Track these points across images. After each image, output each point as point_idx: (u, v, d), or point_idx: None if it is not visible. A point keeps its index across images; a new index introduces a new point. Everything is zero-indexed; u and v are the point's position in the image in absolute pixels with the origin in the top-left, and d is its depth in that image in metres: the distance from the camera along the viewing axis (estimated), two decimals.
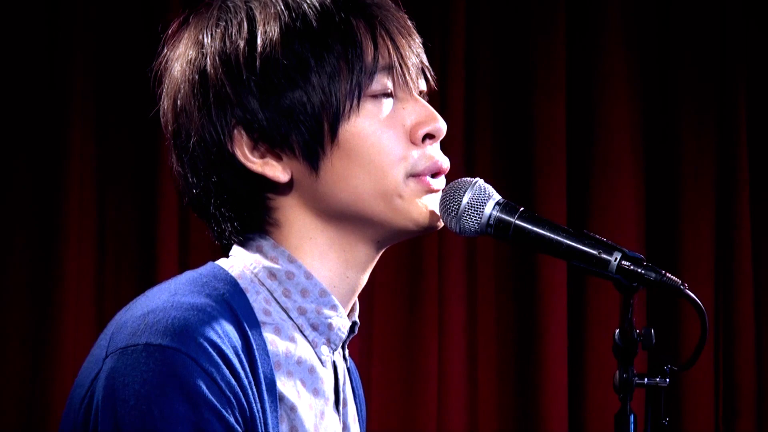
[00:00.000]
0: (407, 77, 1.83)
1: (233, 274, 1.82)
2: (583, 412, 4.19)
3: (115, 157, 3.89)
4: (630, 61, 4.26)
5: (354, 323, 1.91)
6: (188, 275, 1.81)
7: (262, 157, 1.81)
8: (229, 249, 1.88)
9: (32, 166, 3.82)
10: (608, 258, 1.77)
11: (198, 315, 1.69)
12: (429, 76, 1.88)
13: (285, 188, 1.83)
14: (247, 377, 1.71)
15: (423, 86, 1.88)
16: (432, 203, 1.84)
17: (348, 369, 1.98)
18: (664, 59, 4.29)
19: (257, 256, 1.83)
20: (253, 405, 1.71)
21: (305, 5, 1.81)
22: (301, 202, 1.83)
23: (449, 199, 1.84)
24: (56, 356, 3.75)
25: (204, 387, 1.65)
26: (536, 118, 4.19)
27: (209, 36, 1.82)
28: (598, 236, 1.80)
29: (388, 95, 1.83)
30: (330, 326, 1.85)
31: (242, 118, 1.80)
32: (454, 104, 4.12)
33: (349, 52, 1.80)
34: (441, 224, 1.85)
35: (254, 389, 1.72)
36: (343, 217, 1.83)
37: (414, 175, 1.83)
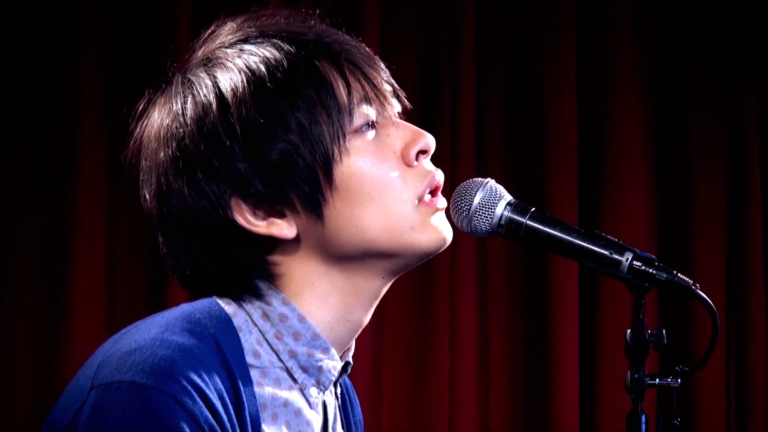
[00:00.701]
0: (385, 104, 1.82)
1: (228, 311, 1.81)
2: (595, 412, 4.18)
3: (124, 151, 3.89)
4: (640, 63, 4.25)
5: (347, 363, 1.90)
6: (183, 309, 1.80)
7: (265, 218, 1.80)
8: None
9: (42, 165, 3.83)
10: (620, 258, 1.77)
11: (184, 356, 1.69)
12: (402, 96, 1.87)
13: (291, 242, 1.82)
14: (230, 420, 1.71)
15: (398, 108, 1.87)
16: (439, 223, 1.84)
17: (344, 393, 1.98)
18: (675, 61, 4.28)
19: (252, 296, 1.83)
20: None
21: (267, 60, 1.79)
22: (307, 252, 1.82)
23: (460, 200, 1.84)
24: (66, 357, 3.76)
25: (186, 428, 1.66)
26: (547, 120, 4.19)
27: (180, 112, 1.80)
28: (609, 236, 1.80)
29: (370, 126, 1.82)
30: (320, 369, 1.84)
31: (236, 185, 1.78)
32: (466, 106, 4.12)
33: (323, 94, 1.78)
34: (448, 243, 1.85)
35: (239, 430, 1.72)
36: (351, 258, 1.82)
37: (419, 198, 1.82)
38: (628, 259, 1.77)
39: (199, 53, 1.85)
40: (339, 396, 1.95)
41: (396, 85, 1.86)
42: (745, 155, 4.26)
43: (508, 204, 1.83)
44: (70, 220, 3.80)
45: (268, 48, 1.80)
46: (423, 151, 1.84)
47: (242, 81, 1.78)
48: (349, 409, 2.04)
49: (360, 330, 1.88)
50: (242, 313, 1.81)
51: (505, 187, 1.86)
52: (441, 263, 4.09)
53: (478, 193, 1.83)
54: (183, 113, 1.80)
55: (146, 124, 1.86)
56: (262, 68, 1.78)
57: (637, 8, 4.26)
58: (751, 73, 4.28)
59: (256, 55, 1.80)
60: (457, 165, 4.04)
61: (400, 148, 1.83)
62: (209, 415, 1.68)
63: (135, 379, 1.66)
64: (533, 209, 1.83)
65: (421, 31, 4.11)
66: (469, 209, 1.83)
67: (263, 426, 1.77)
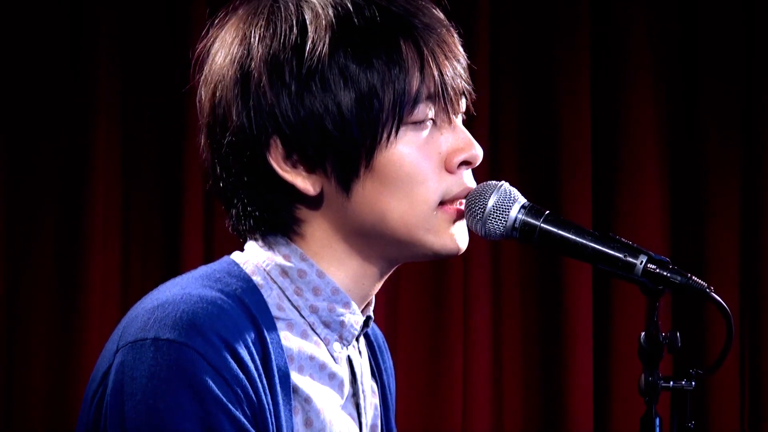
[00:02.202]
0: (449, 105, 1.82)
1: (247, 270, 1.83)
2: (609, 415, 4.18)
3: (140, 151, 3.91)
4: (655, 65, 4.24)
5: (368, 318, 1.91)
6: (202, 270, 1.82)
7: (294, 167, 1.81)
8: (245, 240, 1.88)
9: (57, 160, 3.85)
10: (634, 261, 1.77)
11: (207, 308, 1.71)
12: (471, 98, 1.87)
13: (313, 201, 1.83)
14: (257, 370, 1.71)
15: (462, 107, 1.86)
16: (456, 231, 1.84)
17: (373, 341, 1.99)
18: (689, 62, 4.28)
19: (270, 253, 1.84)
20: (263, 398, 1.72)
21: (357, 20, 1.79)
22: (326, 216, 1.83)
23: (475, 203, 1.84)
24: (82, 352, 3.77)
25: (211, 382, 1.66)
26: (561, 122, 4.19)
27: (257, 36, 1.80)
28: (623, 239, 1.80)
29: (429, 122, 1.82)
30: (342, 323, 1.85)
31: (280, 128, 1.79)
32: (480, 108, 4.08)
33: (395, 76, 1.78)
34: (461, 252, 1.85)
35: (265, 382, 1.73)
36: (366, 236, 1.83)
37: (444, 202, 1.82)
38: (642, 261, 1.77)
39: None
40: (367, 345, 1.96)
41: (469, 86, 1.86)
42: (760, 157, 4.25)
43: (523, 207, 1.84)
44: (85, 215, 3.83)
45: (363, 7, 1.80)
46: (467, 162, 1.84)
47: (325, 30, 1.78)
48: (379, 356, 2.04)
49: (379, 286, 1.89)
50: (261, 272, 1.83)
51: (519, 190, 1.86)
52: (455, 266, 4.09)
53: (492, 196, 1.83)
54: (260, 39, 1.80)
55: (222, 28, 1.86)
56: (349, 26, 1.79)
57: (652, 9, 4.25)
58: (766, 75, 4.27)
59: (350, 10, 1.79)
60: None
61: (446, 152, 1.83)
62: (235, 366, 1.68)
63: (158, 335, 1.68)
64: (547, 212, 1.83)
65: None
66: (483, 212, 1.83)
67: (292, 377, 1.78)
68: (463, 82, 1.84)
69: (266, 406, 1.72)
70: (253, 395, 1.70)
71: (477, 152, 1.83)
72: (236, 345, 1.70)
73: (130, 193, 3.91)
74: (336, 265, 1.84)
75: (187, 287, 1.75)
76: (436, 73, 1.81)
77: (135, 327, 1.71)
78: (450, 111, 1.82)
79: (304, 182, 1.81)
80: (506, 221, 1.83)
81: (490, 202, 1.83)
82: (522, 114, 4.22)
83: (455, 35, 1.87)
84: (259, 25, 1.81)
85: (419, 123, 1.81)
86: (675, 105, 4.28)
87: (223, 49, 1.84)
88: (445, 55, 1.83)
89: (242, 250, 1.88)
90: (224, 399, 1.67)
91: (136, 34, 3.90)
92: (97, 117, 3.84)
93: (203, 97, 1.85)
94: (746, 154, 4.27)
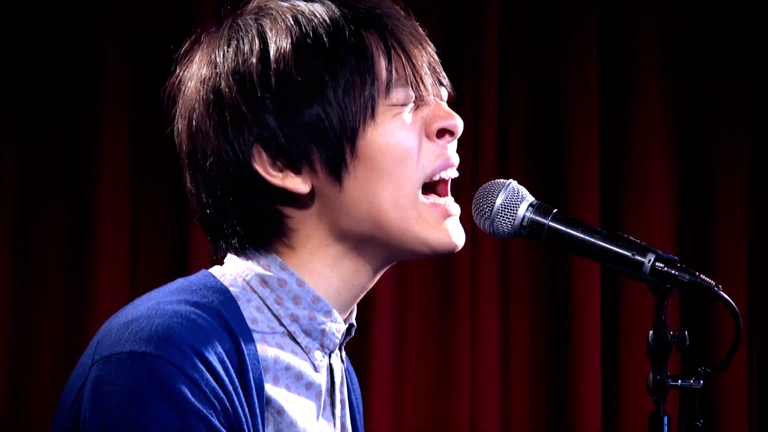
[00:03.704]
0: (421, 86, 1.83)
1: (225, 282, 1.83)
2: (617, 413, 4.18)
3: (148, 148, 3.92)
4: (663, 62, 4.24)
5: (350, 326, 1.90)
6: (178, 283, 1.82)
7: (282, 171, 1.81)
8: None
9: (65, 158, 3.86)
10: (642, 260, 1.77)
11: (182, 322, 1.70)
12: (445, 83, 1.88)
13: (305, 200, 1.83)
14: (232, 383, 1.72)
15: (444, 94, 1.88)
16: (450, 226, 1.84)
17: (345, 369, 1.98)
18: (698, 61, 4.27)
19: (249, 263, 1.84)
20: (239, 410, 1.71)
21: (315, 20, 1.81)
22: (320, 212, 1.83)
23: (483, 201, 1.84)
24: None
25: (188, 393, 1.66)
26: (569, 121, 4.19)
27: (221, 55, 1.83)
28: (631, 238, 1.79)
29: (407, 105, 1.83)
30: (323, 332, 1.85)
31: (260, 136, 1.80)
32: (487, 107, 4.12)
33: (362, 65, 1.80)
34: (458, 249, 1.85)
35: (241, 394, 1.73)
36: (361, 230, 1.82)
37: (427, 183, 1.82)
38: (650, 260, 1.76)
39: (254, 2, 1.87)
40: (344, 362, 1.95)
41: (440, 70, 1.87)
42: None
43: (531, 205, 1.84)
44: (93, 212, 3.84)
45: (319, 9, 1.82)
46: (449, 132, 1.84)
47: (287, 36, 1.80)
48: (351, 385, 2.03)
49: (363, 294, 1.88)
50: (239, 282, 1.83)
51: (527, 189, 1.86)
52: (462, 265, 4.09)
53: (500, 194, 1.84)
54: (224, 57, 1.82)
55: (189, 61, 1.88)
56: (309, 27, 1.80)
57: (660, 6, 4.25)
58: None
59: (306, 13, 1.81)
60: (478, 166, 4.05)
61: (427, 120, 1.83)
62: (211, 379, 1.69)
63: (134, 349, 1.68)
64: (555, 210, 1.83)
65: (442, 29, 4.11)
66: (491, 210, 1.83)
67: (266, 388, 1.77)
68: (432, 66, 1.85)
69: (242, 418, 1.72)
70: (229, 407, 1.70)
71: (457, 122, 1.84)
72: (210, 358, 1.70)
73: (138, 190, 3.91)
74: (329, 268, 1.84)
75: (161, 301, 1.75)
76: (403, 57, 1.82)
77: (109, 341, 1.71)
78: (424, 93, 1.83)
79: (294, 183, 1.81)
80: (514, 219, 1.83)
81: (498, 201, 1.83)
82: (530, 112, 4.22)
83: (419, 28, 1.88)
84: (222, 44, 1.84)
85: (398, 107, 1.82)
86: (683, 102, 4.27)
87: (192, 79, 1.86)
88: (411, 42, 1.84)
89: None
90: (203, 409, 1.67)
91: (144, 30, 3.91)
92: (105, 114, 3.85)
93: (179, 129, 1.88)
94: (754, 152, 4.26)
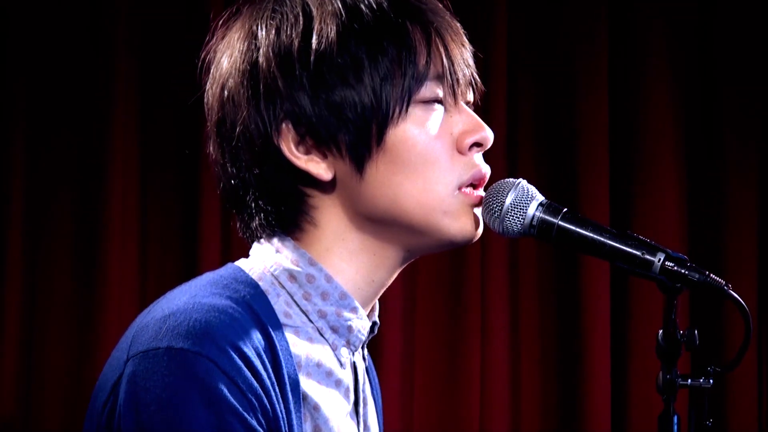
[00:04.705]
0: (456, 88, 1.84)
1: (254, 276, 1.82)
2: (626, 413, 4.18)
3: (158, 143, 3.92)
4: (673, 61, 4.23)
5: (374, 323, 1.90)
6: (209, 277, 1.81)
7: (307, 153, 1.81)
8: (252, 244, 1.88)
9: (75, 153, 3.86)
10: (652, 259, 1.77)
11: (219, 317, 1.69)
12: (476, 88, 1.89)
13: (326, 187, 1.83)
14: (269, 378, 1.70)
15: (470, 97, 1.88)
16: (474, 217, 1.84)
17: (366, 368, 1.97)
18: (707, 60, 4.27)
19: (278, 258, 1.83)
20: (276, 406, 1.70)
21: (362, 5, 1.81)
22: (340, 202, 1.83)
23: (492, 200, 1.84)
24: (100, 345, 3.79)
25: (226, 391, 1.65)
26: (579, 120, 4.18)
27: (263, 28, 1.82)
28: (641, 237, 1.79)
29: (436, 102, 1.83)
30: (350, 329, 1.85)
31: (291, 112, 1.80)
32: (497, 106, 4.12)
33: (403, 56, 1.80)
34: (478, 236, 1.86)
35: (277, 390, 1.71)
36: (380, 222, 1.82)
37: (460, 186, 1.83)
38: (660, 259, 1.76)
39: None
40: (366, 360, 1.95)
41: (475, 74, 1.88)
42: None
43: (540, 204, 1.84)
44: (103, 208, 3.84)
45: None
46: (478, 144, 1.85)
47: (333, 18, 1.80)
48: (372, 381, 2.03)
49: (383, 290, 1.88)
50: (268, 277, 1.82)
51: (536, 188, 1.87)
52: (472, 264, 4.10)
53: (510, 193, 1.84)
54: (266, 30, 1.82)
55: (227, 30, 1.88)
56: (357, 11, 1.80)
57: (671, 7, 4.24)
58: None
59: None
60: (488, 165, 4.05)
61: (458, 133, 1.84)
62: (249, 375, 1.67)
63: (171, 344, 1.66)
64: (565, 210, 1.83)
65: None
66: (501, 210, 1.83)
67: (301, 384, 1.77)
68: (469, 69, 1.86)
69: (279, 415, 1.71)
70: (267, 403, 1.69)
71: (488, 134, 1.85)
72: (249, 353, 1.68)
73: (148, 185, 3.92)
74: (348, 261, 1.83)
75: (196, 295, 1.73)
76: (443, 52, 1.83)
77: (146, 336, 1.69)
78: (457, 92, 1.84)
79: (317, 167, 1.81)
80: (524, 219, 1.83)
81: (508, 200, 1.83)
82: (539, 111, 4.22)
83: (461, 29, 1.89)
84: (265, 17, 1.83)
85: (428, 103, 1.82)
86: (693, 102, 4.27)
87: (229, 48, 1.85)
88: (452, 38, 1.85)
89: (248, 256, 1.88)
90: (239, 408, 1.65)
91: (154, 25, 3.92)
92: (116, 109, 3.85)
93: (211, 98, 1.87)
94: (765, 151, 4.26)
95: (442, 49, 1.83)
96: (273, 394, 1.70)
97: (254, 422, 1.66)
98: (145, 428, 1.63)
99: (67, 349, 3.83)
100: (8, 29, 3.84)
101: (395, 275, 1.89)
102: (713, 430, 1.76)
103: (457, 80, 1.83)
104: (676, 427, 1.74)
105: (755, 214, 4.25)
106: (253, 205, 1.84)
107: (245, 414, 1.65)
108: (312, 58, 1.79)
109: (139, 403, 1.65)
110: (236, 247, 3.82)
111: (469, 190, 1.84)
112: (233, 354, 1.67)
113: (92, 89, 3.87)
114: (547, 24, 4.22)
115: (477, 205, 1.85)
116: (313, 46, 1.79)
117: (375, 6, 1.81)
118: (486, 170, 1.86)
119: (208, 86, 1.88)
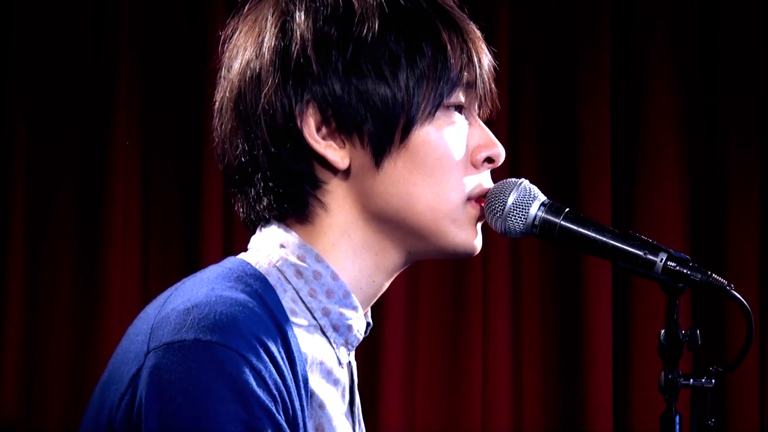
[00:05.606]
0: (481, 98, 1.86)
1: (260, 270, 1.80)
2: (629, 412, 4.18)
3: (160, 141, 3.93)
4: (675, 62, 4.24)
5: (368, 324, 1.90)
6: (217, 270, 1.79)
7: (327, 139, 1.80)
8: (255, 230, 1.87)
9: (76, 151, 3.87)
10: (654, 259, 1.77)
11: (243, 310, 1.67)
12: (495, 99, 1.90)
13: (340, 175, 1.82)
14: (289, 374, 1.69)
15: (487, 110, 1.90)
16: (479, 231, 1.85)
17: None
18: (709, 59, 4.27)
19: (283, 252, 1.82)
20: (296, 403, 1.69)
21: (403, 2, 1.82)
22: (351, 194, 1.82)
23: (495, 200, 1.84)
24: (102, 344, 3.79)
25: (254, 384, 1.62)
26: (581, 120, 4.18)
27: (303, 9, 1.82)
28: (643, 237, 1.80)
29: (459, 109, 1.84)
30: (350, 328, 1.84)
31: (320, 94, 1.79)
32: (499, 105, 4.12)
33: (440, 62, 1.81)
34: (477, 251, 1.86)
35: (294, 387, 1.70)
36: (387, 221, 1.82)
37: (470, 198, 1.84)
38: (662, 259, 1.76)
39: None
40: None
41: (494, 87, 1.89)
42: None
43: (542, 204, 1.84)
44: (104, 206, 3.85)
45: None
46: (490, 160, 1.86)
47: (375, 11, 1.81)
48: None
49: (381, 292, 1.88)
50: (274, 272, 1.81)
51: (538, 188, 1.87)
52: (474, 265, 4.10)
53: (512, 193, 1.84)
54: (305, 11, 1.82)
55: (255, 4, 1.87)
56: (398, 8, 1.81)
57: (672, 7, 4.24)
58: None
59: None
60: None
61: (474, 146, 1.85)
62: (273, 370, 1.65)
63: (198, 336, 1.62)
64: (567, 209, 1.83)
65: None
66: (503, 209, 1.84)
67: (310, 381, 1.76)
68: (491, 83, 1.88)
69: (298, 413, 1.70)
70: (287, 400, 1.67)
71: (501, 151, 1.86)
72: (272, 348, 1.67)
73: (150, 184, 3.92)
74: (351, 259, 1.83)
75: (214, 288, 1.71)
76: (475, 60, 1.84)
77: (168, 328, 1.65)
78: (482, 102, 1.86)
79: (334, 154, 1.80)
80: (526, 219, 1.83)
81: (510, 200, 1.84)
82: (541, 111, 4.22)
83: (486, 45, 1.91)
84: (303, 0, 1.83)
85: (453, 109, 1.83)
86: (695, 102, 4.27)
87: (258, 25, 1.84)
88: (483, 51, 1.87)
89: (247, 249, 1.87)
90: (267, 401, 1.63)
91: (156, 21, 3.92)
92: (117, 108, 3.86)
93: (235, 70, 1.84)
94: (767, 152, 4.26)
95: (475, 60, 1.84)
96: (293, 390, 1.69)
97: (280, 417, 1.64)
98: (170, 421, 1.60)
99: (70, 348, 3.84)
100: (11, 26, 3.84)
101: (392, 279, 1.88)
102: (715, 430, 1.76)
103: (483, 87, 1.86)
104: (678, 427, 1.74)
105: (757, 214, 4.25)
106: (261, 185, 1.83)
107: (272, 408, 1.63)
108: (350, 47, 1.79)
109: (163, 395, 1.61)
110: (238, 242, 3.82)
111: (474, 204, 1.85)
112: (259, 348, 1.65)
113: (94, 85, 3.87)
114: (549, 23, 4.22)
115: (480, 219, 1.85)
116: (354, 35, 1.79)
117: (415, 6, 1.82)
118: (488, 185, 1.87)
119: (226, 60, 1.87)
